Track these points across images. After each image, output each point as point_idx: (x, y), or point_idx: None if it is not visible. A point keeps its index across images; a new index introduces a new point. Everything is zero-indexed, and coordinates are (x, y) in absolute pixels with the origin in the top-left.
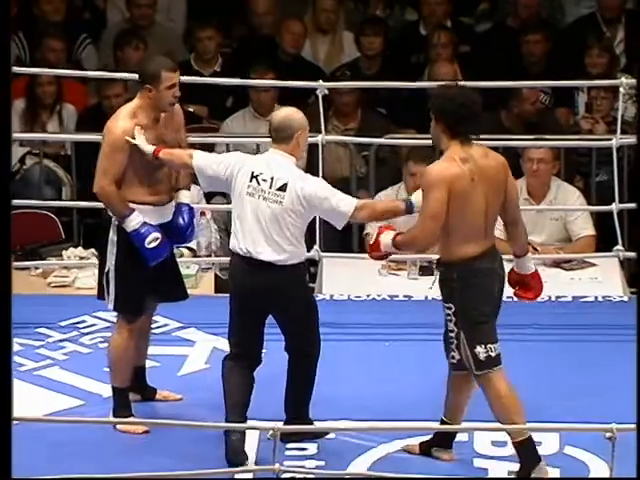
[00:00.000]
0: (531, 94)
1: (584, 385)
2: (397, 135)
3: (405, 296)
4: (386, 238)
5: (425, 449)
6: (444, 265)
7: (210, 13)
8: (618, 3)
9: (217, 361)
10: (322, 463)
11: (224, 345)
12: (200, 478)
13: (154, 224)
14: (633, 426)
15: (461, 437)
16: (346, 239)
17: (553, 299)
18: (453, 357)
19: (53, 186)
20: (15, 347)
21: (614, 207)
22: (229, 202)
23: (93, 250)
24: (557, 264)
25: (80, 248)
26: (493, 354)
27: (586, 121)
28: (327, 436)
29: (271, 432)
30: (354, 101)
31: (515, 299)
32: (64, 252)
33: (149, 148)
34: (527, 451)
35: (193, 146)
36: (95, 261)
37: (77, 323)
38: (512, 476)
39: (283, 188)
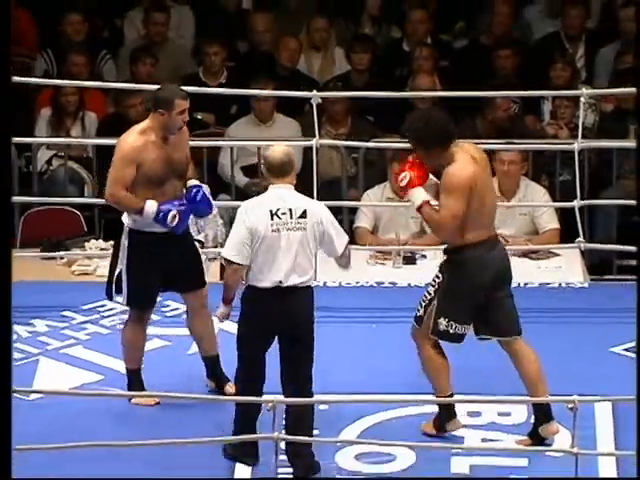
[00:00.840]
0: (503, 103)
1: (550, 362)
2: (383, 139)
3: (390, 283)
4: (418, 193)
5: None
6: (449, 249)
7: (216, 31)
8: (579, 23)
9: (222, 341)
10: (316, 432)
11: (230, 327)
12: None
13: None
14: (593, 397)
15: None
16: None
17: (522, 285)
18: (418, 310)
19: (76, 185)
20: (43, 328)
21: (576, 203)
22: (233, 199)
23: (112, 242)
24: (525, 254)
25: (101, 240)
26: (452, 331)
27: (551, 127)
28: (321, 407)
29: (270, 404)
30: (345, 109)
31: None
32: (86, 244)
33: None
34: (445, 406)
35: (201, 149)
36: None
37: (98, 307)
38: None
39: (304, 215)
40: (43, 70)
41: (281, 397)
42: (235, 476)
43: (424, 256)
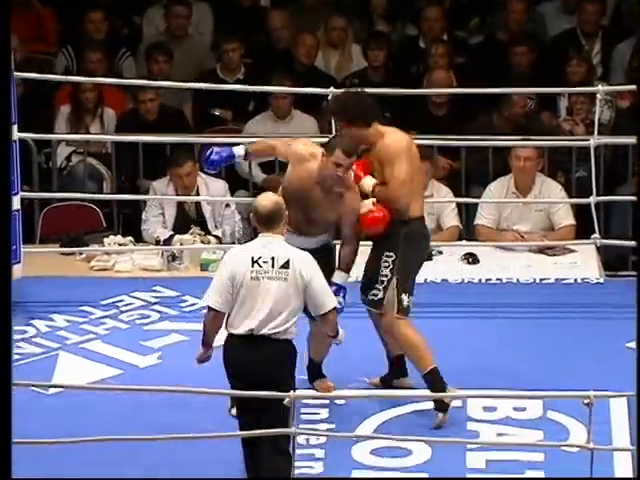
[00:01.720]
0: (519, 100)
1: (566, 357)
2: None
3: None
4: (366, 181)
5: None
6: (395, 222)
7: (234, 28)
8: (595, 19)
9: None
10: (333, 426)
11: None
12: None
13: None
14: (609, 393)
15: (455, 403)
16: None
17: (538, 281)
18: (375, 295)
19: (95, 181)
20: (62, 323)
21: (592, 200)
22: (251, 195)
23: (131, 238)
24: (541, 250)
25: (119, 236)
26: (411, 305)
27: (567, 123)
28: (337, 402)
29: (287, 399)
30: None
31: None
32: (105, 239)
33: None
34: (436, 379)
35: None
36: (133, 247)
37: (116, 302)
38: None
39: (286, 265)
40: (64, 67)
41: (302, 392)
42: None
43: (440, 252)
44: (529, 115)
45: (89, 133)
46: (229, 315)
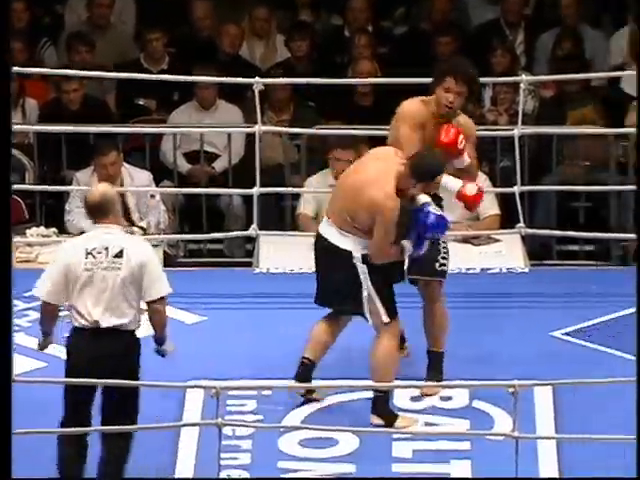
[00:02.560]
0: None
1: (491, 346)
2: (325, 126)
3: None
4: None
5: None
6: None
7: (157, 17)
8: (519, 9)
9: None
10: (260, 417)
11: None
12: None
13: None
14: (533, 382)
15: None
16: (281, 218)
17: (464, 271)
18: (444, 265)
19: (18, 172)
20: None
21: (516, 189)
22: (176, 185)
23: (54, 229)
24: (466, 240)
25: (42, 227)
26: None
27: (491, 113)
28: (264, 392)
29: (214, 390)
30: (287, 96)
31: None
32: (28, 231)
33: None
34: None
35: (143, 136)
36: (56, 238)
37: None
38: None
39: (120, 255)
40: None
41: (227, 383)
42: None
43: None
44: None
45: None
46: (72, 308)
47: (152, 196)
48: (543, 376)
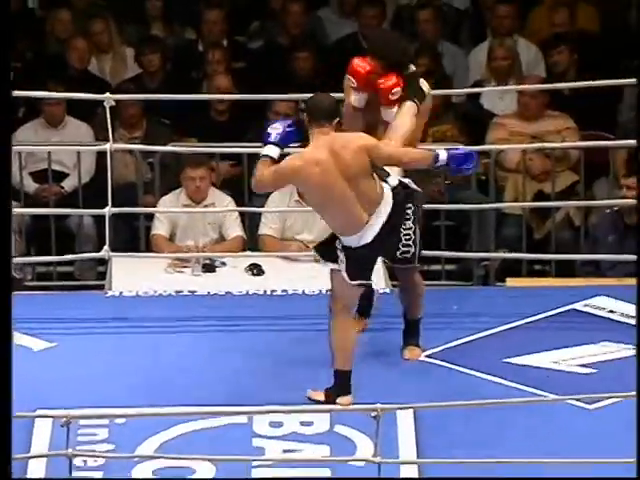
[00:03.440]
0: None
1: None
2: (179, 143)
3: (189, 291)
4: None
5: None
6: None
7: None
8: (376, 23)
9: None
10: (112, 447)
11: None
12: None
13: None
14: (395, 406)
15: (240, 419)
16: (134, 238)
17: (324, 292)
18: (408, 252)
19: None
20: None
21: None
22: (22, 205)
23: None
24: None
25: None
26: None
27: None
28: (117, 421)
29: (64, 419)
30: (139, 112)
31: None
32: None
33: None
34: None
35: None
36: None
37: None
38: None
39: None
40: None
41: (76, 412)
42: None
43: (224, 263)
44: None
45: None
46: None
47: None
48: (406, 399)
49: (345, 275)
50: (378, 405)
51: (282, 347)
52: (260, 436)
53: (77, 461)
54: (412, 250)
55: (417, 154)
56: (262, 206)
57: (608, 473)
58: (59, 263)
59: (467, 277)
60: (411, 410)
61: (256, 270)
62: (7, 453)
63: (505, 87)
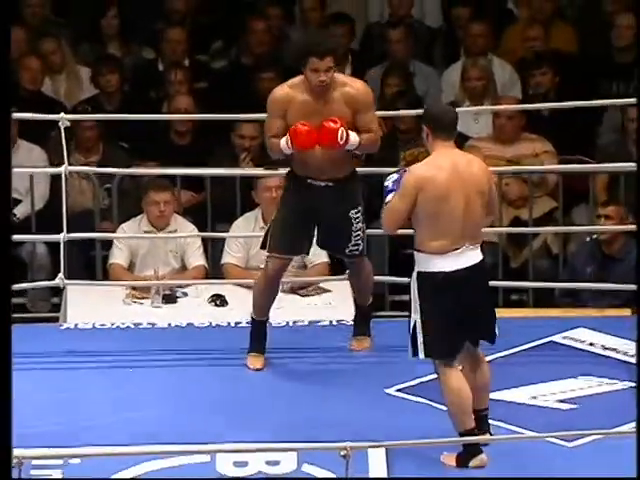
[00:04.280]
0: None
1: (317, 405)
2: (139, 168)
3: (149, 323)
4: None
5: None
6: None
7: None
8: (345, 42)
9: None
10: None
11: None
12: None
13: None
14: (366, 444)
15: (202, 458)
16: (90, 268)
17: (291, 324)
18: (357, 249)
19: None
20: None
21: None
22: None
23: None
24: (294, 290)
25: None
26: None
27: None
28: (71, 461)
29: (16, 460)
30: (96, 135)
31: None
32: None
33: None
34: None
35: None
36: None
37: None
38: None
39: None
40: None
41: (28, 451)
42: None
43: (185, 294)
44: None
45: None
46: None
47: None
48: (377, 436)
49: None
50: (347, 443)
51: (247, 381)
52: (224, 477)
53: None
54: (361, 247)
55: None
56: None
57: None
58: None
59: None
60: (383, 449)
61: (219, 301)
62: (7, 452)
63: (480, 108)
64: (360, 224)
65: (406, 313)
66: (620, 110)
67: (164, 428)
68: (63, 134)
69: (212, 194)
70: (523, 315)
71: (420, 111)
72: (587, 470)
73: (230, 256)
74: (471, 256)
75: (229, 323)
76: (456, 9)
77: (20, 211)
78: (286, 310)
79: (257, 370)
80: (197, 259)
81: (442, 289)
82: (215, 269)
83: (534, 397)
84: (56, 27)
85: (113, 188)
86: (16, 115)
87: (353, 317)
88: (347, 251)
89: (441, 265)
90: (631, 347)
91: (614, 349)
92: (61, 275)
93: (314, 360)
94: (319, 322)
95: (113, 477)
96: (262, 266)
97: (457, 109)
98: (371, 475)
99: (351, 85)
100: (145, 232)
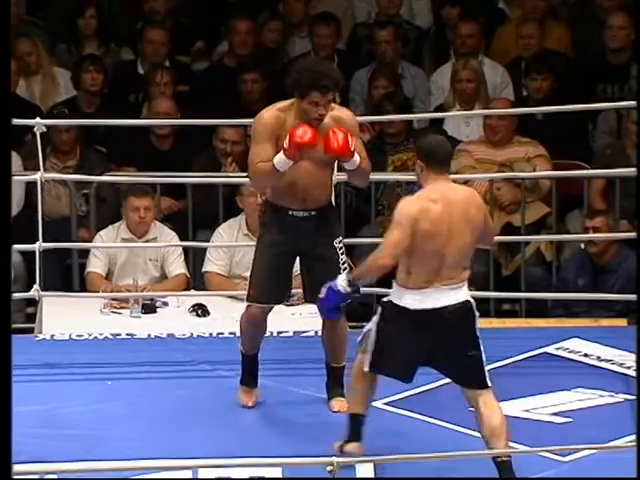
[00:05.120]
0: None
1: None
2: (117, 173)
3: (128, 334)
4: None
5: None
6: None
7: None
8: (331, 43)
9: None
10: None
11: None
12: None
13: None
14: (353, 458)
15: (184, 474)
16: (67, 276)
17: (275, 334)
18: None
19: None
20: None
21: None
22: None
23: None
24: None
25: None
26: None
27: None
28: (48, 477)
29: None
30: (73, 139)
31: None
32: None
33: None
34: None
35: None
36: None
37: None
38: None
39: None
40: None
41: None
42: None
43: (166, 303)
44: None
45: None
46: None
47: None
48: (365, 450)
49: None
50: (334, 458)
51: (230, 394)
52: None
53: None
54: None
55: None
56: (207, 241)
57: None
58: None
59: None
60: (371, 464)
61: (201, 311)
62: (7, 452)
63: (470, 112)
64: (344, 256)
65: None
66: (615, 112)
67: (144, 443)
68: (39, 139)
69: (193, 200)
70: (515, 325)
71: (410, 116)
72: None
73: (212, 264)
74: (449, 295)
75: (211, 334)
76: (446, 9)
77: None
78: (270, 320)
79: (248, 408)
80: (178, 267)
81: (405, 324)
82: (197, 277)
83: (527, 410)
84: (31, 27)
85: (91, 194)
86: None
87: (326, 380)
88: None
89: (410, 302)
90: (628, 358)
91: (610, 360)
92: (36, 287)
93: (299, 372)
94: (304, 332)
95: None
96: (245, 275)
97: (447, 113)
98: None
99: (339, 110)
100: (124, 239)
